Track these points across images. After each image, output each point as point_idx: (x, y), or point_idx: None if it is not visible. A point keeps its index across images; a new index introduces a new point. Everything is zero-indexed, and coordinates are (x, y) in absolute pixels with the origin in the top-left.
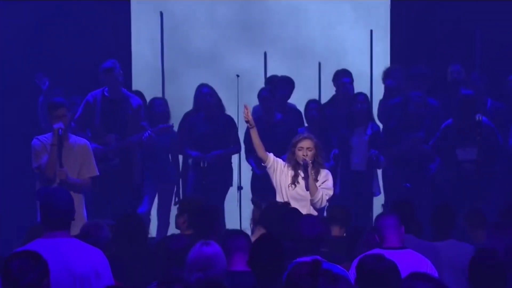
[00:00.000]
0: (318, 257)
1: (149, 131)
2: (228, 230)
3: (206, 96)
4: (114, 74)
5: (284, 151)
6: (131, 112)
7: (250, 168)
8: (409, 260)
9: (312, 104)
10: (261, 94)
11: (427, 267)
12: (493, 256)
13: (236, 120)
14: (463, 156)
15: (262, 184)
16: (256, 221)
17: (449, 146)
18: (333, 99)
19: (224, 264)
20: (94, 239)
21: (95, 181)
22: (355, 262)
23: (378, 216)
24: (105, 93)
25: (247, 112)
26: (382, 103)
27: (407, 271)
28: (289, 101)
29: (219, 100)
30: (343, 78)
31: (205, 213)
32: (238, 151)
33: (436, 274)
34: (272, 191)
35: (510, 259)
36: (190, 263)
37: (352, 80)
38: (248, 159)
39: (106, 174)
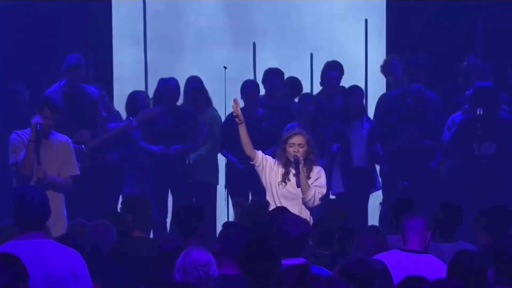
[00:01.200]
0: (305, 261)
1: (131, 120)
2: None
3: (174, 89)
4: (80, 72)
5: (267, 147)
6: (92, 104)
7: (224, 164)
8: (429, 266)
9: (307, 98)
10: (246, 87)
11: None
12: (472, 258)
13: (223, 114)
14: (479, 151)
15: (241, 181)
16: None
17: (466, 141)
18: (320, 92)
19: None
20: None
21: (80, 180)
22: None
23: (406, 216)
24: (64, 88)
25: (236, 107)
26: (383, 97)
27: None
28: None
29: (206, 93)
30: (329, 71)
31: (189, 213)
32: (194, 148)
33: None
34: (253, 188)
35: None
36: (192, 262)
37: (341, 75)
38: (224, 153)
39: (90, 172)
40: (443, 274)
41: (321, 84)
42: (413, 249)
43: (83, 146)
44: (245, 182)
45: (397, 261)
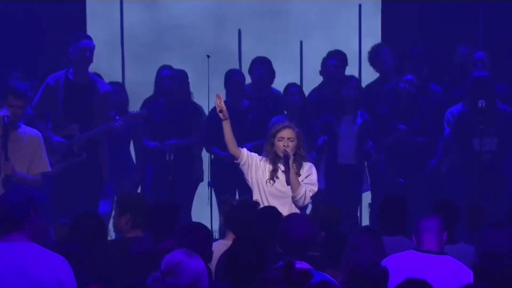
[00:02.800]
0: (308, 266)
1: (118, 119)
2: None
3: (165, 79)
4: (88, 60)
5: (254, 141)
6: (98, 99)
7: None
8: (447, 267)
9: (292, 88)
10: (230, 78)
11: (468, 277)
12: (500, 260)
13: (206, 107)
14: (480, 146)
15: (228, 178)
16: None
17: (465, 136)
18: (322, 83)
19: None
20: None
21: (57, 178)
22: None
23: (420, 216)
24: (69, 76)
25: (220, 102)
26: (372, 88)
27: (444, 279)
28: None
29: (187, 84)
30: (329, 59)
31: (164, 211)
32: (199, 141)
33: None
34: (241, 185)
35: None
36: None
37: (342, 65)
38: (211, 148)
39: (71, 171)
40: (462, 276)
41: (320, 73)
42: (430, 250)
43: (69, 141)
44: (232, 178)
45: (414, 263)
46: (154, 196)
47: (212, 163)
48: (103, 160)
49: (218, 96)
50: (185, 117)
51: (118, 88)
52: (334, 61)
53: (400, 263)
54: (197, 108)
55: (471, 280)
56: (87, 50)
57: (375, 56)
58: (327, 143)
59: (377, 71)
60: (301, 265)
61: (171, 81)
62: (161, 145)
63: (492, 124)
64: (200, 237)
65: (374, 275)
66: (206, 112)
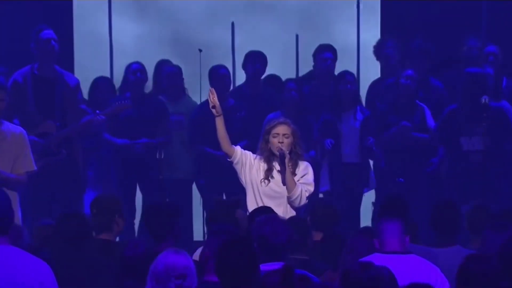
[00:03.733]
0: (287, 264)
1: (98, 113)
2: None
3: (136, 72)
4: (54, 51)
5: (239, 141)
6: (68, 92)
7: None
8: (413, 267)
9: (290, 84)
10: (216, 74)
11: (436, 275)
12: (485, 262)
13: (198, 102)
14: (468, 146)
15: (220, 177)
16: None
17: (453, 134)
18: (309, 76)
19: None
20: None
21: (35, 178)
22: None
23: (381, 220)
24: (35, 71)
25: (213, 97)
26: (375, 84)
27: (411, 279)
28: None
29: (182, 80)
30: (324, 52)
31: (161, 213)
32: (166, 142)
33: (447, 285)
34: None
35: (505, 265)
36: (165, 270)
37: (335, 58)
38: (200, 147)
39: (47, 169)
40: (428, 273)
41: (314, 67)
42: (394, 250)
43: (45, 139)
44: (223, 177)
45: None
46: (122, 196)
47: (199, 161)
48: (79, 157)
49: (211, 91)
50: (152, 114)
51: (106, 83)
52: (330, 54)
53: None
54: (165, 106)
55: (438, 277)
56: (51, 40)
57: (380, 51)
58: (333, 145)
59: (382, 66)
60: (278, 265)
61: (142, 75)
62: (131, 143)
63: (481, 123)
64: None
65: (366, 279)
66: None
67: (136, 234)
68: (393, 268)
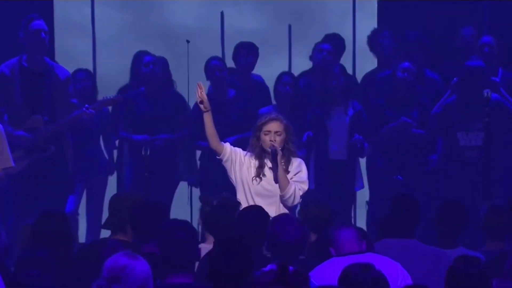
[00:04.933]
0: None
1: (88, 107)
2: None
3: (149, 65)
4: (44, 43)
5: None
6: (60, 86)
7: (198, 157)
8: (374, 263)
9: (286, 77)
10: (211, 66)
11: (396, 270)
12: (474, 264)
13: (186, 96)
14: (465, 141)
15: (215, 176)
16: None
17: (450, 129)
18: (311, 70)
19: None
20: None
21: (21, 174)
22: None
23: (335, 227)
24: (24, 63)
25: (201, 92)
26: (369, 76)
27: None
28: (254, 72)
29: (169, 72)
30: (322, 43)
31: (150, 212)
32: (183, 138)
33: (409, 279)
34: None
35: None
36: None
37: (337, 51)
38: (197, 142)
39: (34, 166)
40: (390, 269)
41: (310, 58)
42: (350, 251)
43: (33, 134)
44: (218, 176)
45: (338, 267)
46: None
47: (200, 159)
48: (68, 154)
49: (199, 86)
50: (169, 110)
51: (85, 75)
52: (328, 45)
53: (325, 272)
54: (182, 100)
55: (399, 271)
56: (41, 31)
57: (374, 41)
58: (314, 139)
59: (376, 57)
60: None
61: (155, 67)
62: (151, 139)
63: (479, 118)
64: (187, 238)
65: (366, 280)
66: (188, 103)
67: None
68: None
